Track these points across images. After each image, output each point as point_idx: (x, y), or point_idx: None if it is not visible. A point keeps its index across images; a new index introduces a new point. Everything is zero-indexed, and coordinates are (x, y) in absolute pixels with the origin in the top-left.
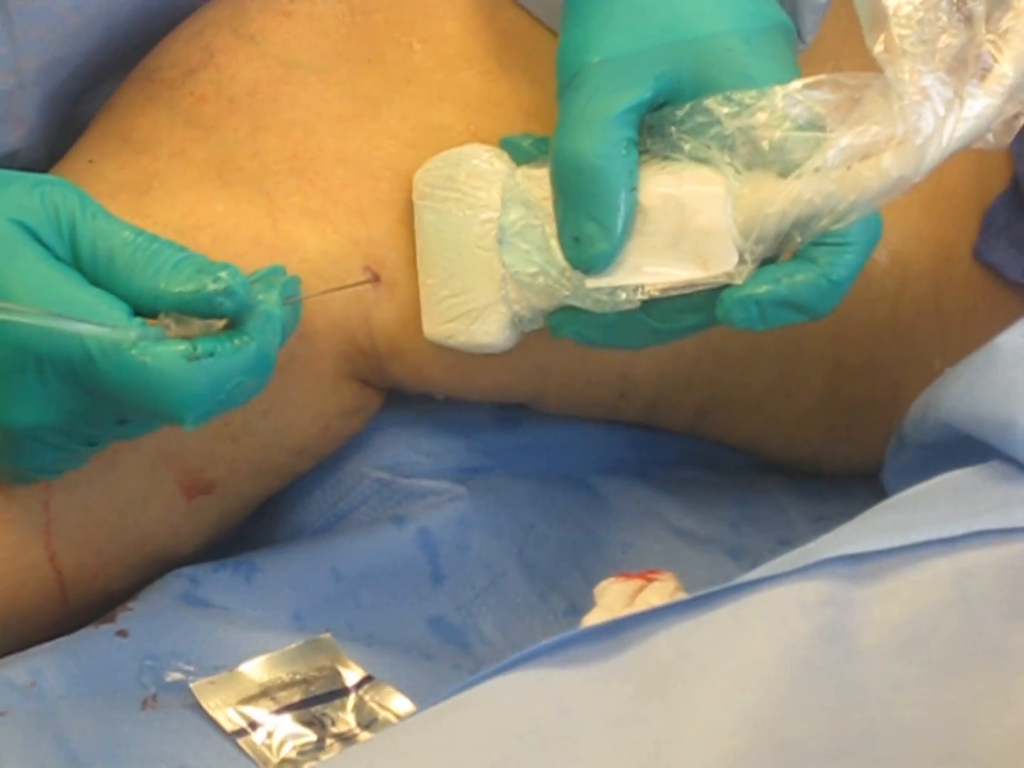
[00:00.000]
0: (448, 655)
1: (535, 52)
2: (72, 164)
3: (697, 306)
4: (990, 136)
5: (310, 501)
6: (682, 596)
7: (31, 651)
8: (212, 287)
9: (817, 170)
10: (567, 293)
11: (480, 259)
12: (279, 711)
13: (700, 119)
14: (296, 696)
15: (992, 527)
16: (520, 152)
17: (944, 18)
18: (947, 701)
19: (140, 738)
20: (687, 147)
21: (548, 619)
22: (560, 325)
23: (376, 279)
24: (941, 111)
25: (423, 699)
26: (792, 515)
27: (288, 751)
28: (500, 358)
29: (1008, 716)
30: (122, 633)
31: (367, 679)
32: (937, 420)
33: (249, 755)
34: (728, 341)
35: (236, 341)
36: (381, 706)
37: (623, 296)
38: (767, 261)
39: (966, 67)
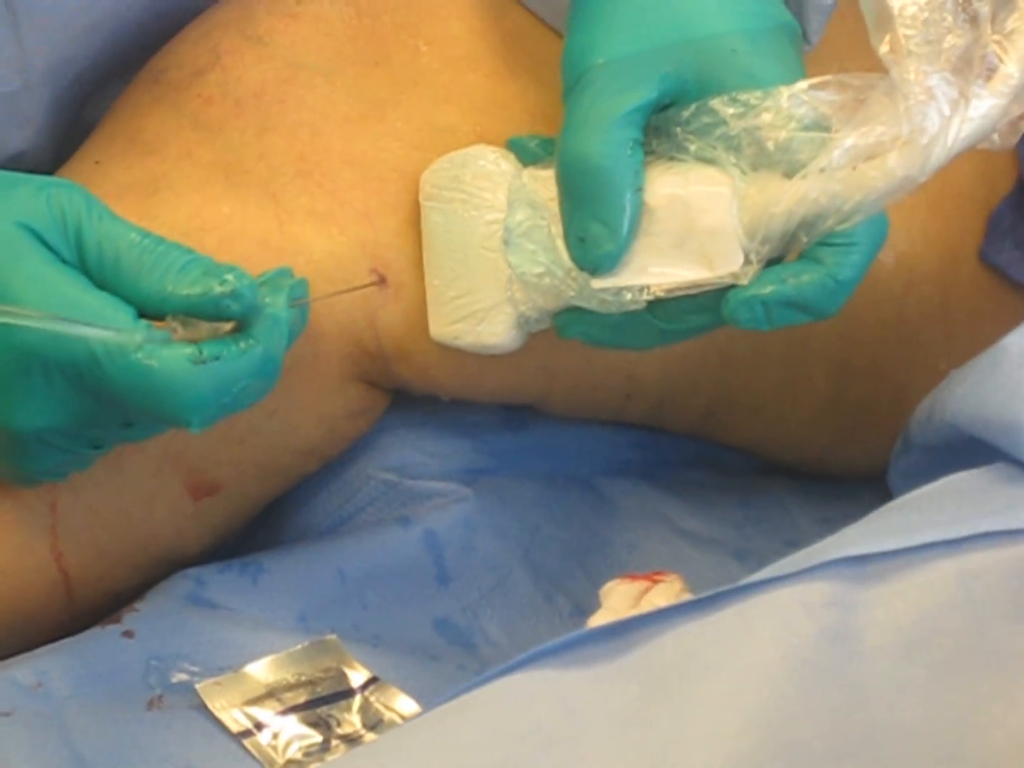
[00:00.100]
0: (453, 656)
1: (541, 54)
2: (79, 165)
3: (703, 306)
4: (996, 137)
5: (316, 502)
6: (687, 597)
7: (37, 652)
8: (219, 289)
9: (822, 170)
10: (572, 293)
11: (486, 260)
12: (285, 712)
13: (706, 120)
14: (302, 697)
15: (997, 529)
16: (527, 153)
17: (949, 18)
18: (951, 702)
19: (146, 739)
20: (693, 147)
21: (554, 620)
22: (567, 325)
23: (382, 281)
24: (946, 111)
25: (428, 700)
26: (797, 516)
27: (294, 752)
28: (506, 360)
29: (1012, 717)
30: (128, 634)
31: (373, 680)
32: (943, 422)
33: (255, 756)
34: (734, 343)
35: (242, 344)
36: (387, 707)
37: (628, 296)
38: (773, 262)
39: (971, 67)
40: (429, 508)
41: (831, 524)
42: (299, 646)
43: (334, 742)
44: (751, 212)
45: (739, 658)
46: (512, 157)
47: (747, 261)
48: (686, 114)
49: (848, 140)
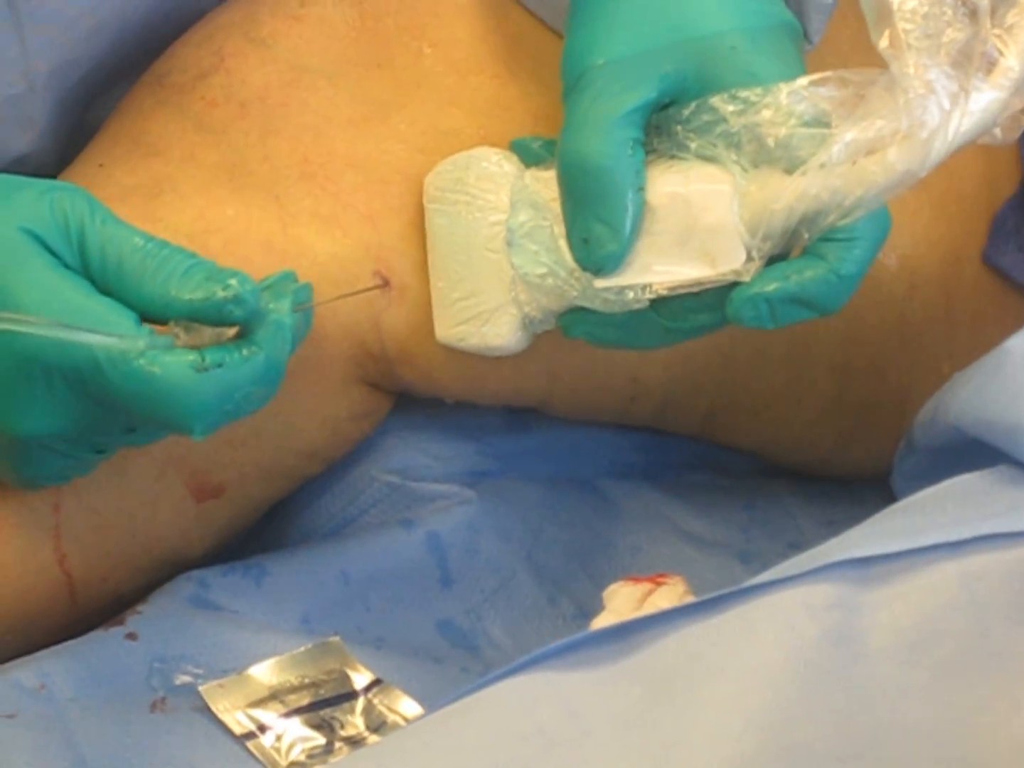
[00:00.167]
0: (457, 658)
1: (544, 56)
2: (82, 168)
3: (707, 305)
4: (997, 131)
5: (319, 505)
6: (691, 599)
7: (40, 654)
8: (222, 294)
9: (823, 166)
10: (576, 294)
11: (490, 261)
12: (288, 714)
13: (706, 117)
14: (305, 699)
15: (1000, 531)
16: (530, 154)
17: (949, 12)
18: (954, 703)
19: (149, 741)
20: (693, 146)
21: (557, 622)
22: (571, 326)
23: (386, 284)
24: (946, 105)
25: (432, 702)
26: (801, 519)
27: (297, 754)
28: (509, 362)
29: (1015, 719)
30: (131, 636)
31: (376, 682)
32: (946, 424)
33: (258, 758)
34: (737, 345)
35: (245, 351)
36: (390, 709)
37: (631, 295)
38: (776, 258)
39: (971, 61)
40: (432, 510)
41: (835, 526)
42: (302, 648)
43: (337, 744)
44: (752, 209)
45: (742, 660)
46: (515, 158)
47: (749, 258)
48: (686, 112)
49: (848, 135)
